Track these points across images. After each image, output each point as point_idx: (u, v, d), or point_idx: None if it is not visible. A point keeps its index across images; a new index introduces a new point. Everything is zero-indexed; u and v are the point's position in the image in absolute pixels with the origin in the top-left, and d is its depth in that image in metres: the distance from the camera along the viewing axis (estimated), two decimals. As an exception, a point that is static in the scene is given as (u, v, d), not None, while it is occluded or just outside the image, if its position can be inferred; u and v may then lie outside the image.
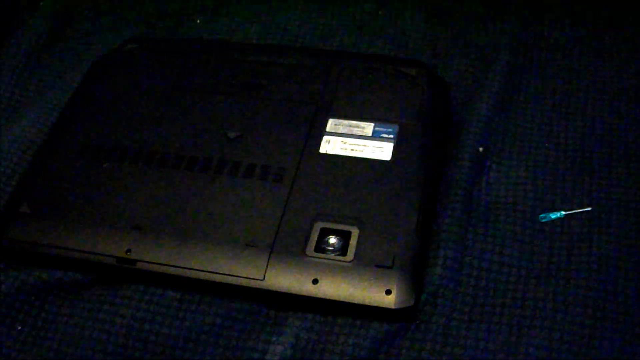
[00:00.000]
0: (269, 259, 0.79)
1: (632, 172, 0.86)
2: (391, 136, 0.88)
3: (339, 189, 0.84)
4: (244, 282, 0.79)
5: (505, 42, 1.00)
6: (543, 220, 0.84)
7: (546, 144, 0.90)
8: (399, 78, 0.93)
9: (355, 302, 0.77)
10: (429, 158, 0.86)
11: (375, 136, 0.88)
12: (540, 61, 0.98)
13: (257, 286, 0.79)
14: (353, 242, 0.80)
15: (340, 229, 0.81)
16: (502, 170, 0.89)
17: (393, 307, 0.76)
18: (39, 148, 0.95)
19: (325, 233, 0.81)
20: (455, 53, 1.01)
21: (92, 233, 0.83)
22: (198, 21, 1.09)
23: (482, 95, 0.95)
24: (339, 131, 0.89)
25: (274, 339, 0.78)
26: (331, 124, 0.89)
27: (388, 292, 0.77)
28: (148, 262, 0.81)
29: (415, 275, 0.78)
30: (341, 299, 0.77)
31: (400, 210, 0.82)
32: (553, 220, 0.84)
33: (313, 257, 0.79)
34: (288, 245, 0.80)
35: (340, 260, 0.79)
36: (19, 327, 0.81)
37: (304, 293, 0.78)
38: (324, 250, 0.80)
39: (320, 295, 0.78)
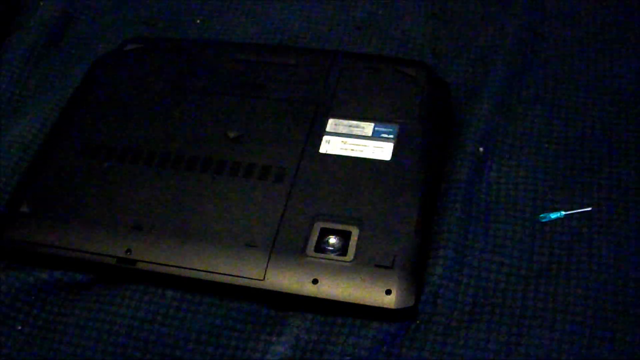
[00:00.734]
0: (269, 259, 0.79)
1: (632, 172, 0.86)
2: (391, 136, 0.88)
3: (339, 189, 0.84)
4: (244, 282, 0.79)
5: (505, 42, 1.00)
6: (543, 220, 0.84)
7: (546, 144, 0.90)
8: (399, 78, 0.93)
9: (355, 302, 0.77)
10: (429, 158, 0.86)
11: (375, 136, 0.88)
12: (540, 61, 0.98)
13: (257, 286, 0.79)
14: (353, 242, 0.80)
15: (340, 229, 0.81)
16: (502, 170, 0.89)
17: (393, 307, 0.76)
18: (39, 148, 0.95)
19: (325, 233, 0.81)
20: (455, 53, 1.01)
21: (92, 233, 0.83)
22: (198, 21, 1.09)
23: (482, 95, 0.95)
24: (339, 131, 0.89)
25: (274, 339, 0.78)
26: (331, 124, 0.89)
27: (388, 292, 0.77)
28: (148, 262, 0.81)
29: (415, 275, 0.78)
30: (341, 299, 0.77)
31: (400, 210, 0.82)
32: (553, 220, 0.84)
33: (313, 257, 0.79)
34: (288, 245, 0.80)
35: (340, 260, 0.79)
36: (19, 327, 0.81)
37: (304, 293, 0.78)
38: (324, 250, 0.80)
39: (320, 295, 0.78)
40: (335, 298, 0.77)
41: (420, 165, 0.85)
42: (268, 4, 1.10)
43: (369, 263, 0.78)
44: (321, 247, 0.80)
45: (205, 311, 0.80)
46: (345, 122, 0.89)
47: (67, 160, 0.90)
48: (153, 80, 0.97)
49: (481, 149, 0.90)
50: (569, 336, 0.75)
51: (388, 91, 0.92)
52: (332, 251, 0.80)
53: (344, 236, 0.80)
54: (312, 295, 0.78)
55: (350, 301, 0.77)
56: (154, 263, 0.81)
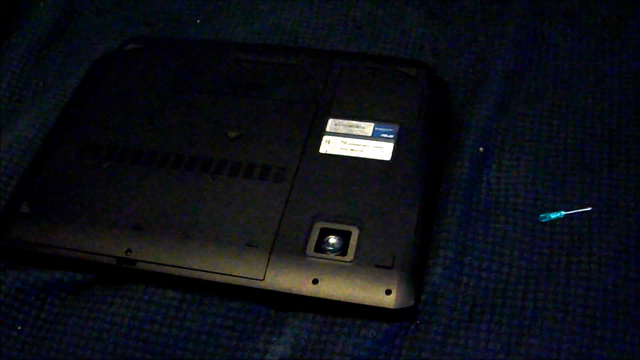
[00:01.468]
0: (269, 259, 0.79)
1: (632, 172, 0.86)
2: (391, 136, 0.88)
3: (339, 189, 0.84)
4: (244, 282, 0.79)
5: (505, 42, 1.00)
6: (543, 220, 0.84)
7: (546, 144, 0.90)
8: (399, 78, 0.93)
9: (355, 302, 0.77)
10: (429, 158, 0.86)
11: (375, 136, 0.88)
12: (540, 61, 0.98)
13: (257, 286, 0.79)
14: (353, 242, 0.80)
15: (340, 229, 0.81)
16: (502, 170, 0.89)
17: (393, 307, 0.76)
18: (39, 148, 0.95)
19: (325, 233, 0.81)
20: (455, 53, 1.01)
21: (92, 233, 0.83)
22: (198, 21, 1.09)
23: (482, 95, 0.95)
24: (339, 131, 0.89)
25: (274, 339, 0.78)
26: (331, 124, 0.89)
27: (388, 292, 0.77)
28: (148, 262, 0.81)
29: (415, 275, 0.78)
30: (341, 299, 0.77)
31: (400, 210, 0.82)
32: (553, 220, 0.84)
33: (313, 257, 0.79)
34: (288, 245, 0.80)
35: (340, 260, 0.79)
36: (19, 327, 0.81)
37: (304, 293, 0.78)
38: (324, 250, 0.80)
39: (320, 295, 0.78)
40: (335, 298, 0.77)
41: (420, 165, 0.85)
42: (268, 4, 1.10)
43: (369, 263, 0.78)
44: (321, 247, 0.80)
45: (205, 311, 0.80)
46: (345, 122, 0.89)
47: (67, 160, 0.90)
48: (153, 80, 0.97)
49: (481, 149, 0.90)
50: (569, 336, 0.75)
51: (388, 91, 0.92)
52: (332, 251, 0.80)
53: (344, 236, 0.80)
54: (312, 295, 0.78)
55: (350, 301, 0.77)
56: (154, 263, 0.81)
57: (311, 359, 0.77)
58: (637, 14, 1.01)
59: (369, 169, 0.85)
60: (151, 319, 0.80)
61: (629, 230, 0.82)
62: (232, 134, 0.89)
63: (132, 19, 1.11)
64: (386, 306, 0.76)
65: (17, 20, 1.10)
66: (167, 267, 0.81)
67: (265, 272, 0.79)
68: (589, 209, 0.84)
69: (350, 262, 0.79)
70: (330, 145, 0.88)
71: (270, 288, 0.78)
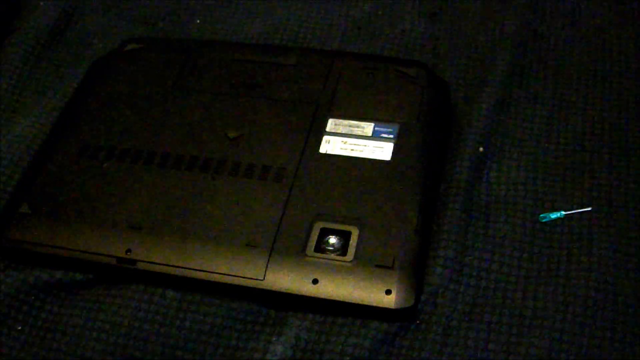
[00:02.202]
0: (269, 259, 0.79)
1: (632, 172, 0.86)
2: (391, 136, 0.88)
3: (339, 189, 0.84)
4: (244, 282, 0.79)
5: (505, 42, 1.00)
6: (543, 220, 0.84)
7: (546, 144, 0.90)
8: (399, 78, 0.93)
9: (355, 302, 0.77)
10: (429, 158, 0.86)
11: (375, 136, 0.88)
12: (540, 61, 0.98)
13: (257, 286, 0.79)
14: (353, 242, 0.80)
15: (340, 229, 0.81)
16: (502, 170, 0.89)
17: (393, 307, 0.76)
18: (39, 148, 0.95)
19: (325, 233, 0.81)
20: (455, 53, 1.01)
21: (92, 233, 0.83)
22: (198, 21, 1.09)
23: (482, 95, 0.95)
24: (339, 131, 0.89)
25: (274, 339, 0.78)
26: (331, 124, 0.89)
27: (388, 292, 0.77)
28: (148, 262, 0.81)
29: (415, 275, 0.78)
30: (341, 299, 0.77)
31: (400, 210, 0.82)
32: (553, 220, 0.84)
33: (313, 257, 0.79)
34: (288, 245, 0.80)
35: (340, 260, 0.79)
36: (19, 327, 0.81)
37: (304, 293, 0.78)
38: (324, 250, 0.80)
39: (320, 295, 0.78)
40: (335, 298, 0.77)
41: (420, 165, 0.85)
42: (268, 4, 1.10)
43: (369, 263, 0.78)
44: (321, 247, 0.80)
45: (205, 311, 0.80)
46: (345, 122, 0.89)
47: (67, 160, 0.90)
48: (153, 80, 0.97)
49: (481, 149, 0.90)
50: (569, 336, 0.75)
51: (388, 91, 0.92)
52: (332, 251, 0.80)
53: (344, 236, 0.80)
54: (312, 295, 0.78)
55: (350, 301, 0.77)
56: (154, 263, 0.81)
57: (311, 359, 0.77)
58: (637, 13, 1.01)
59: (369, 169, 0.85)
60: (151, 319, 0.80)
61: (629, 230, 0.82)
62: (232, 134, 0.89)
63: (132, 19, 1.11)
64: (386, 306, 0.76)
65: (17, 20, 1.10)
66: (167, 267, 0.81)
67: (265, 272, 0.79)
68: (589, 209, 0.84)
69: (350, 262, 0.79)
70: (330, 145, 0.88)
71: (270, 288, 0.78)
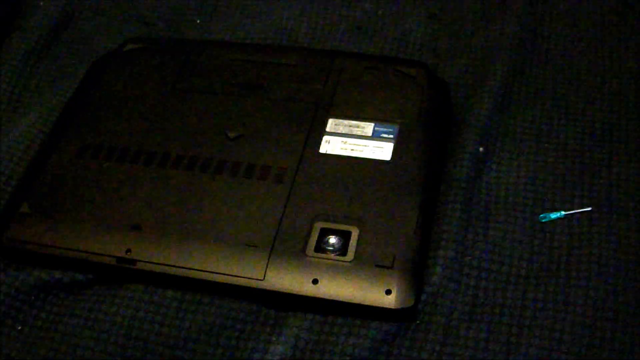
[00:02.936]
0: (269, 259, 0.79)
1: (632, 172, 0.86)
2: (391, 136, 0.88)
3: (339, 189, 0.84)
4: (244, 282, 0.79)
5: (505, 42, 1.00)
6: (543, 220, 0.84)
7: (546, 144, 0.90)
8: (399, 78, 0.93)
9: (355, 302, 0.77)
10: (429, 158, 0.86)
11: (375, 136, 0.88)
12: (540, 61, 0.98)
13: (257, 286, 0.79)
14: (353, 242, 0.80)
15: (340, 229, 0.81)
16: (502, 170, 0.89)
17: (393, 307, 0.76)
18: (39, 148, 0.95)
19: (325, 233, 0.81)
20: (455, 53, 1.01)
21: (92, 233, 0.83)
22: (198, 21, 1.09)
23: (482, 95, 0.95)
24: (339, 131, 0.89)
25: (274, 339, 0.78)
26: (331, 124, 0.89)
27: (388, 292, 0.77)
28: (148, 262, 0.81)
29: (415, 275, 0.78)
30: (341, 299, 0.77)
31: (400, 210, 0.82)
32: (553, 220, 0.84)
33: (313, 257, 0.79)
34: (288, 245, 0.80)
35: (340, 260, 0.79)
36: (19, 327, 0.81)
37: (304, 293, 0.78)
38: (324, 250, 0.80)
39: (320, 295, 0.78)
40: (335, 298, 0.77)
41: (420, 165, 0.85)
42: (268, 4, 1.10)
43: (369, 263, 0.78)
44: (321, 247, 0.80)
45: (205, 311, 0.80)
46: (345, 122, 0.89)
47: (67, 160, 0.90)
48: (153, 80, 0.97)
49: (481, 149, 0.90)
50: (569, 336, 0.75)
51: (388, 91, 0.92)
52: (332, 251, 0.80)
53: (344, 236, 0.80)
54: (312, 295, 0.78)
55: (350, 301, 0.77)
56: (154, 263, 0.81)
57: (311, 359, 0.77)
58: (637, 13, 1.01)
59: (369, 169, 0.85)
60: (151, 319, 0.80)
61: (629, 230, 0.82)
62: (232, 134, 0.89)
63: (132, 19, 1.11)
64: (386, 306, 0.76)
65: (17, 20, 1.10)
66: (167, 267, 0.81)
67: (265, 272, 0.79)
68: (589, 209, 0.84)
69: (350, 262, 0.79)
70: (330, 145, 0.88)
71: (270, 288, 0.78)
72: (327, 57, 0.97)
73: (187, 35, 1.07)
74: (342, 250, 0.80)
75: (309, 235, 0.81)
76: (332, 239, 0.81)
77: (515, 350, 0.75)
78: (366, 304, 0.77)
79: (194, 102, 0.94)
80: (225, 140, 0.89)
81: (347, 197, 0.83)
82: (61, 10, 1.11)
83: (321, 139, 0.88)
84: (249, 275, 0.79)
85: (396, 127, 0.88)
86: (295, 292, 0.78)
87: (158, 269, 0.81)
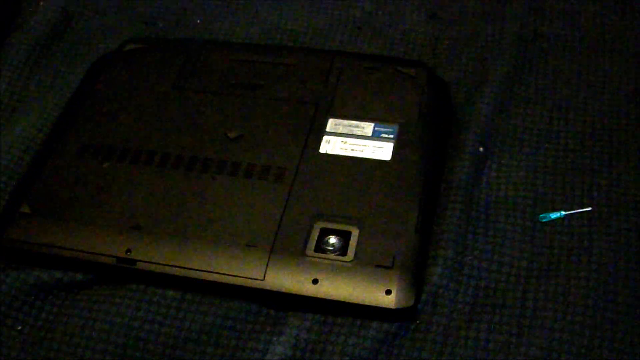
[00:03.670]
0: (269, 259, 0.79)
1: (632, 172, 0.86)
2: (391, 136, 0.88)
3: (339, 189, 0.84)
4: (244, 282, 0.79)
5: (505, 42, 1.00)
6: (543, 220, 0.84)
7: (546, 144, 0.90)
8: (399, 78, 0.93)
9: (355, 302, 0.77)
10: (429, 158, 0.86)
11: (375, 136, 0.88)
12: (540, 61, 0.98)
13: (257, 286, 0.79)
14: (353, 242, 0.80)
15: (340, 229, 0.81)
16: (502, 170, 0.89)
17: (393, 307, 0.76)
18: (39, 148, 0.95)
19: (325, 233, 0.81)
20: (455, 53, 1.01)
21: (92, 233, 0.83)
22: (198, 21, 1.09)
23: (482, 95, 0.95)
24: (339, 131, 0.89)
25: (274, 339, 0.78)
26: (331, 124, 0.89)
27: (388, 292, 0.77)
28: (148, 262, 0.81)
29: (415, 275, 0.78)
30: (341, 299, 0.77)
31: (400, 210, 0.82)
32: (553, 220, 0.84)
33: (313, 257, 0.79)
34: (288, 245, 0.80)
35: (340, 260, 0.79)
36: (19, 327, 0.81)
37: (304, 293, 0.78)
38: (324, 250, 0.80)
39: (320, 295, 0.78)
40: (335, 298, 0.77)
41: (420, 165, 0.85)
42: (268, 4, 1.10)
43: (369, 263, 0.78)
44: (321, 247, 0.80)
45: (205, 311, 0.80)
46: (345, 122, 0.89)
47: (67, 161, 0.90)
48: (153, 80, 0.97)
49: (481, 149, 0.90)
50: (569, 336, 0.75)
51: (388, 91, 0.92)
52: (332, 251, 0.80)
53: (344, 236, 0.80)
54: (312, 295, 0.78)
55: (350, 301, 0.77)
56: (154, 263, 0.81)
57: (311, 359, 0.77)
58: (637, 13, 1.01)
59: (369, 169, 0.85)
60: (151, 319, 0.80)
61: (629, 230, 0.82)
62: (232, 134, 0.89)
63: (132, 19, 1.11)
64: (386, 306, 0.76)
65: (17, 20, 1.10)
66: (167, 267, 0.81)
67: (265, 272, 0.79)
68: (589, 209, 0.84)
69: (350, 262, 0.79)
70: (330, 145, 0.88)
71: (270, 288, 0.78)
72: (327, 57, 0.97)
73: (187, 35, 1.07)
74: (342, 250, 0.80)
75: (309, 235, 0.81)
76: (332, 239, 0.81)
77: (515, 350, 0.75)
78: (366, 304, 0.77)
79: (194, 102, 0.94)
80: (225, 140, 0.89)
81: (347, 197, 0.83)
82: (61, 10, 1.11)
83: (321, 139, 0.88)
84: (249, 275, 0.79)
85: (396, 127, 0.88)
86: (295, 292, 0.78)
87: (158, 269, 0.81)
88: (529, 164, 0.89)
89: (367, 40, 1.04)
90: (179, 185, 0.86)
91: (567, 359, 0.74)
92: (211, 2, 1.11)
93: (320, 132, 0.89)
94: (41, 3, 1.11)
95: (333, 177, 0.85)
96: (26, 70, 1.05)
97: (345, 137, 0.88)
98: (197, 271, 0.80)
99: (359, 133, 0.88)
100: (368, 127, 0.89)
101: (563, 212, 0.84)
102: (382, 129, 0.88)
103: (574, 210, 0.84)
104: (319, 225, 0.81)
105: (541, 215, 0.84)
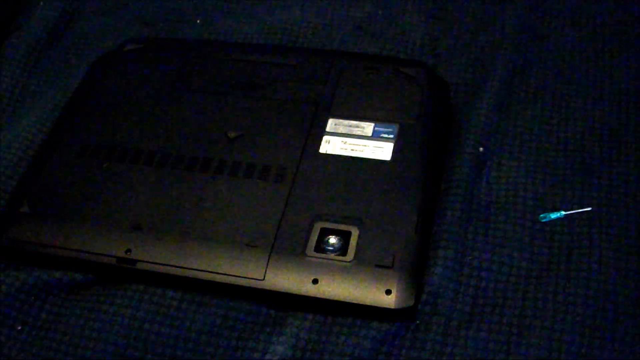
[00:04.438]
0: (269, 259, 0.79)
1: (632, 172, 0.86)
2: (391, 136, 0.88)
3: (339, 189, 0.84)
4: (244, 282, 0.79)
5: (505, 42, 1.00)
6: (543, 220, 0.84)
7: (546, 144, 0.90)
8: (399, 78, 0.93)
9: (355, 302, 0.77)
10: (429, 158, 0.86)
11: (375, 136, 0.88)
12: (540, 61, 0.98)
13: (257, 286, 0.79)
14: (353, 242, 0.80)
15: (340, 229, 0.81)
16: (502, 170, 0.88)
17: (393, 307, 0.76)
18: (39, 148, 0.95)
19: (325, 233, 0.81)
20: (455, 53, 1.01)
21: (92, 233, 0.83)
22: (198, 21, 1.09)
23: (482, 95, 0.95)
24: (339, 131, 0.89)
25: (274, 339, 0.78)
26: (331, 124, 0.89)
27: (388, 292, 0.77)
28: (148, 262, 0.81)
29: (415, 275, 0.78)
30: (341, 299, 0.77)
31: (400, 210, 0.82)
32: (553, 220, 0.84)
33: (313, 257, 0.79)
34: (288, 245, 0.80)
35: (340, 260, 0.79)
36: (19, 327, 0.81)
37: (304, 293, 0.78)
38: (324, 250, 0.80)
39: (320, 295, 0.78)
40: (335, 298, 0.77)
41: (420, 165, 0.85)
42: (268, 4, 1.10)
43: (369, 263, 0.78)
44: (321, 247, 0.80)
45: (205, 311, 0.80)
46: (345, 122, 0.89)
47: (67, 160, 0.90)
48: (153, 80, 0.97)
49: (481, 149, 0.90)
50: (569, 336, 0.75)
51: (388, 91, 0.92)
52: (332, 251, 0.80)
53: (344, 236, 0.80)
54: (312, 295, 0.78)
55: (350, 301, 0.77)
56: (154, 263, 0.81)
57: (311, 359, 0.77)
58: (638, 13, 1.01)
59: (369, 169, 0.85)
60: (151, 319, 0.80)
61: (629, 230, 0.82)
62: (232, 134, 0.89)
63: (132, 19, 1.11)
64: (386, 306, 0.76)
65: (17, 20, 1.10)
66: (167, 267, 0.81)
67: (265, 272, 0.79)
68: (589, 209, 0.84)
69: (350, 262, 0.79)
70: (330, 145, 0.88)
71: (270, 288, 0.79)
72: (327, 57, 0.97)
73: (187, 35, 1.07)
74: (342, 250, 0.80)
75: (309, 235, 0.81)
76: (332, 239, 0.81)
77: (515, 350, 0.75)
78: (366, 304, 0.77)
79: (194, 102, 0.94)
80: (225, 140, 0.89)
81: (347, 197, 0.83)
82: (61, 10, 1.11)
83: (321, 139, 0.88)
84: (249, 275, 0.79)
85: (396, 127, 0.88)
86: (295, 292, 0.78)
87: (158, 269, 0.81)
88: (529, 164, 0.89)
89: (367, 40, 1.04)
90: (179, 185, 0.86)
91: (567, 359, 0.74)
92: (211, 2, 1.11)
93: (320, 132, 0.89)
94: (41, 3, 1.11)
95: (333, 177, 0.85)
96: (26, 70, 1.05)
97: (345, 137, 0.88)
98: (197, 271, 0.80)
99: (359, 133, 0.88)
100: (368, 127, 0.89)
101: (563, 212, 0.84)
102: (382, 129, 0.88)
103: (574, 210, 0.84)
104: (319, 225, 0.81)
105: (541, 215, 0.84)
